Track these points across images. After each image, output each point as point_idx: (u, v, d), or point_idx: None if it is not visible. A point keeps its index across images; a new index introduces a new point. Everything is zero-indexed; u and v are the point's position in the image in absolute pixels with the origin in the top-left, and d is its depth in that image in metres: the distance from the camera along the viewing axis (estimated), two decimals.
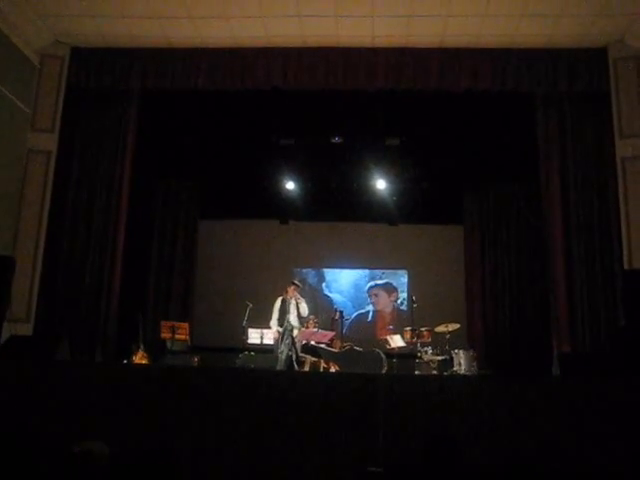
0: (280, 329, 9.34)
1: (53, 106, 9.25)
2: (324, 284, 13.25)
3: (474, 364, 9.23)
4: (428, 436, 4.04)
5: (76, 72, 9.40)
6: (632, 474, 4.05)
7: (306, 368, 9.15)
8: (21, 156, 8.99)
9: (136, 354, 9.04)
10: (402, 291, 13.06)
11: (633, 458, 5.36)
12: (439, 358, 9.60)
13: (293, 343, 9.16)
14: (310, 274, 13.29)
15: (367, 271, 13.24)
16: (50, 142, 9.19)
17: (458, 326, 10.16)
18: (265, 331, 9.73)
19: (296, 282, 9.91)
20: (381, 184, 11.95)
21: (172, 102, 9.80)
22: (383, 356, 9.46)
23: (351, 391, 6.17)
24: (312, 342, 9.64)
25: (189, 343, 9.88)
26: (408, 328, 10.12)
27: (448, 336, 9.87)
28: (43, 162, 9.10)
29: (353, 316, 12.82)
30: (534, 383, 6.32)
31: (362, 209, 12.53)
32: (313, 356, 9.39)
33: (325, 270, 13.31)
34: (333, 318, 10.47)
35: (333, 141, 10.95)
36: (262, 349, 9.71)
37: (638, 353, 6.81)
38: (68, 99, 9.38)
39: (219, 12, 8.53)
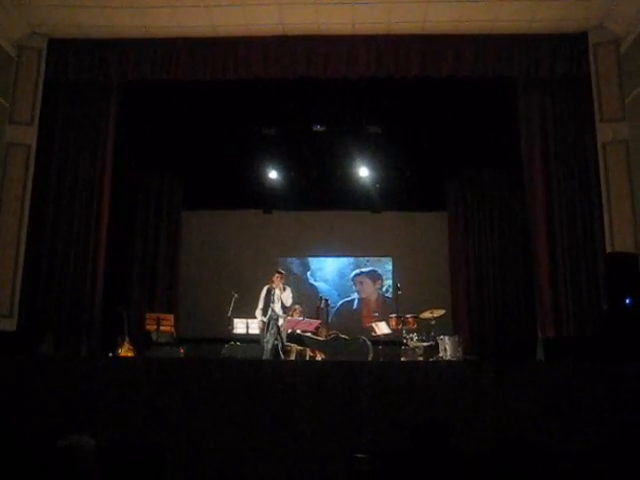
0: (264, 318, 9.33)
1: (32, 98, 9.15)
2: (309, 273, 13.26)
3: (459, 350, 9.27)
4: (415, 422, 4.05)
5: (54, 64, 9.30)
6: (616, 455, 4.10)
7: (292, 357, 9.18)
8: (0, 150, 8.89)
9: (121, 347, 9.00)
10: (387, 278, 13.09)
11: (617, 440, 5.42)
12: (425, 344, 9.64)
13: (279, 332, 9.16)
14: (295, 263, 13.28)
15: (352, 259, 13.26)
16: (29, 135, 9.08)
17: (443, 312, 10.21)
18: (250, 321, 9.71)
19: (280, 270, 9.88)
20: (364, 172, 11.95)
21: (152, 92, 9.72)
22: (369, 343, 9.51)
23: (337, 379, 6.19)
24: (298, 331, 9.67)
25: (174, 334, 9.83)
26: (393, 315, 10.15)
27: (433, 322, 9.92)
28: (23, 155, 8.99)
29: (338, 304, 12.83)
30: (519, 368, 6.37)
31: (345, 197, 12.53)
32: (299, 345, 9.42)
33: (310, 259, 13.32)
34: (318, 307, 10.48)
35: (315, 129, 10.93)
36: (248, 339, 9.69)
37: (621, 337, 6.88)
38: (47, 91, 9.27)
39: (198, 1, 8.46)
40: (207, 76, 9.27)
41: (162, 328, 9.54)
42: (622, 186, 8.51)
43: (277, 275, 9.62)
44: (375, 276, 13.16)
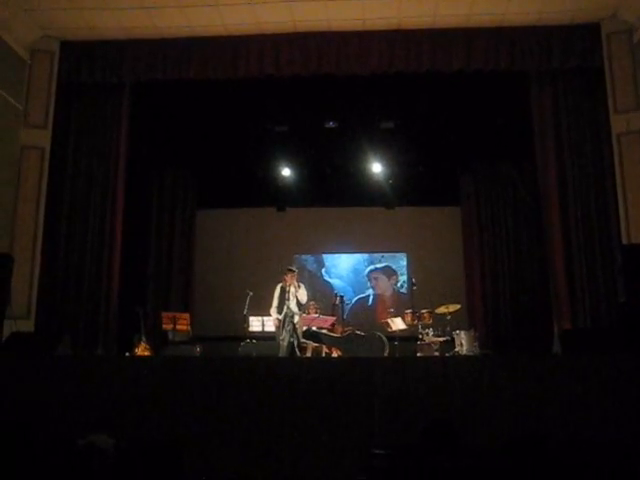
0: (279, 316, 9.30)
1: (45, 101, 9.21)
2: (324, 270, 13.27)
3: (475, 344, 9.28)
4: (428, 419, 4.06)
5: (67, 66, 9.35)
6: (631, 447, 4.08)
7: (308, 354, 9.17)
8: (15, 153, 8.96)
9: (138, 346, 9.05)
10: (402, 274, 13.08)
11: (634, 433, 5.40)
12: (440, 339, 9.64)
13: (294, 329, 9.14)
14: (309, 260, 13.30)
15: (366, 255, 13.27)
16: (43, 138, 9.15)
17: (458, 307, 10.19)
18: (266, 319, 9.73)
19: (292, 268, 9.85)
20: (377, 168, 11.95)
21: (165, 93, 9.75)
22: (384, 339, 9.50)
23: (354, 375, 6.19)
24: (313, 328, 9.66)
25: (190, 333, 9.88)
26: (409, 311, 10.15)
27: (449, 317, 9.91)
28: (37, 158, 9.07)
29: (353, 300, 12.85)
30: (535, 361, 6.35)
31: (359, 193, 12.53)
32: (315, 342, 9.42)
33: (324, 256, 13.34)
34: (334, 303, 10.49)
35: (327, 126, 10.92)
36: (264, 337, 9.72)
37: (638, 328, 6.83)
38: (60, 94, 9.34)
39: (208, 0, 8.47)
40: (219, 75, 9.29)
41: (178, 327, 9.60)
42: (637, 177, 8.44)
43: (289, 274, 9.57)
44: (390, 272, 13.16)
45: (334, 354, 9.33)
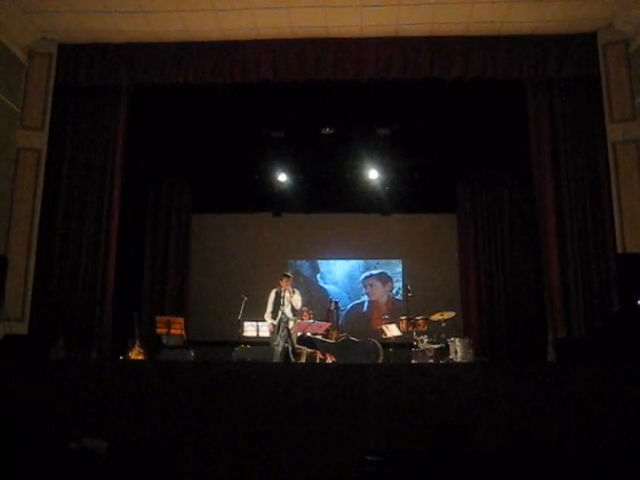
0: (274, 322, 9.31)
1: (42, 104, 9.21)
2: (319, 275, 13.26)
3: (470, 352, 9.27)
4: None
5: (64, 69, 9.34)
6: (629, 455, 4.08)
7: (302, 360, 9.15)
8: (11, 155, 8.95)
9: (132, 350, 9.04)
10: (397, 281, 13.07)
11: (629, 440, 5.40)
12: (435, 346, 9.63)
13: (289, 335, 9.14)
14: (305, 266, 13.28)
15: (361, 262, 13.25)
16: (40, 140, 9.14)
17: (453, 314, 10.19)
18: (261, 324, 9.71)
19: (287, 274, 9.86)
20: (373, 174, 11.94)
21: (162, 97, 9.77)
22: (379, 346, 9.50)
23: (348, 381, 6.18)
24: (308, 334, 9.67)
25: (185, 338, 9.84)
26: (403, 317, 10.14)
27: (444, 324, 9.90)
28: (33, 160, 9.06)
29: (348, 307, 12.84)
30: (530, 369, 6.35)
31: (355, 200, 12.53)
32: (309, 347, 9.41)
33: (319, 261, 13.31)
34: (328, 309, 10.49)
35: (324, 132, 10.92)
36: (258, 342, 9.70)
37: (632, 337, 6.85)
38: (57, 96, 9.33)
39: (206, 5, 8.49)
40: (216, 80, 9.30)
41: (172, 331, 9.56)
42: (632, 186, 8.47)
43: (284, 279, 9.57)
44: (385, 278, 13.15)
45: (328, 360, 9.31)
